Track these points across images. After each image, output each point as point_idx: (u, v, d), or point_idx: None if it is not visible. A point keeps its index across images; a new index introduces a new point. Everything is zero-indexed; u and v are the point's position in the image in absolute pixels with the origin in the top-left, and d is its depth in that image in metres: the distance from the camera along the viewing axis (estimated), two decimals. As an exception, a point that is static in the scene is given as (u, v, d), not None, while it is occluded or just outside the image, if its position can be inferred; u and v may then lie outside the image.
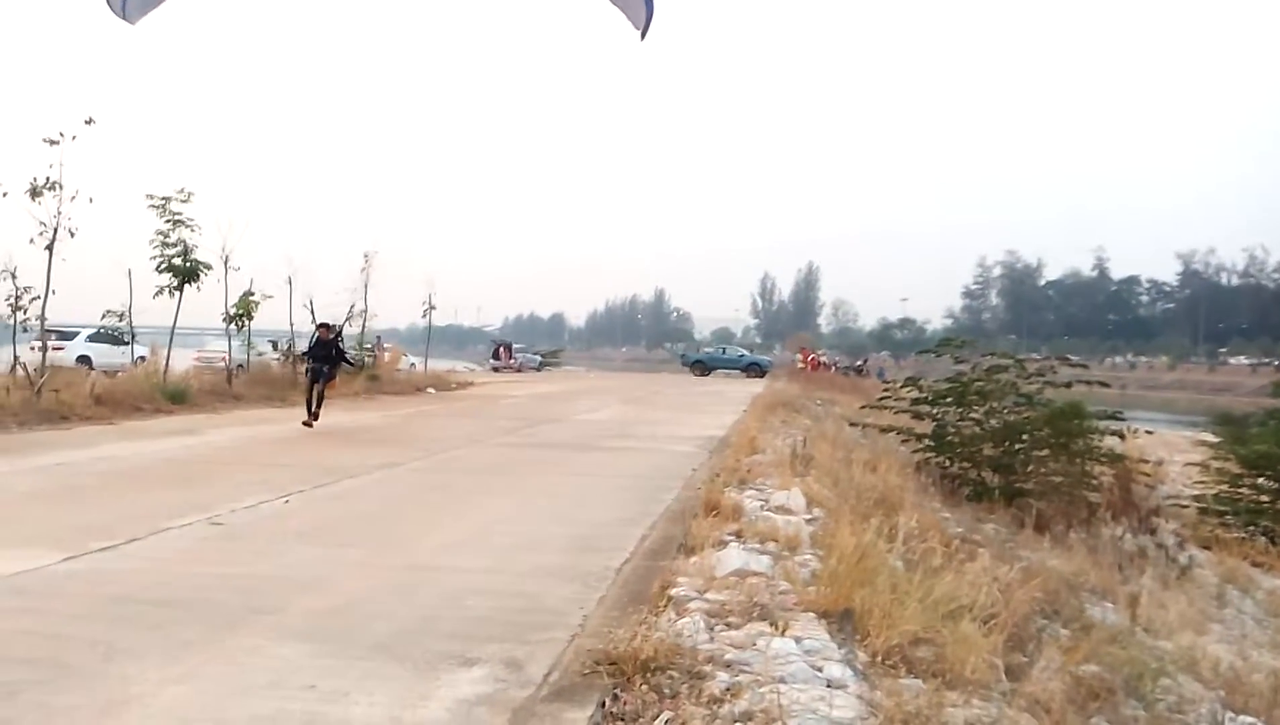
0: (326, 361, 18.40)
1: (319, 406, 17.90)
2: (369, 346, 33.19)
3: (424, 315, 38.33)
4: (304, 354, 19.44)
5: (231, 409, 21.89)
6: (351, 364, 20.61)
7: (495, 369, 56.42)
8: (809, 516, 9.61)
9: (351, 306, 30.78)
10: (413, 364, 39.81)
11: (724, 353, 65.87)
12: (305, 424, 17.45)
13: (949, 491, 15.79)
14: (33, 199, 18.25)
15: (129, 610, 6.15)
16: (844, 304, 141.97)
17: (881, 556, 7.05)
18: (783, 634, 5.57)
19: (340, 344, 19.50)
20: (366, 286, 31.49)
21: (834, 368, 62.89)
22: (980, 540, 11.34)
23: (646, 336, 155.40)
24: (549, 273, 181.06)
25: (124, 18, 9.83)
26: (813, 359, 60.19)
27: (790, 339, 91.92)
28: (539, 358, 65.01)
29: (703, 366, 58.96)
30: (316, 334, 19.26)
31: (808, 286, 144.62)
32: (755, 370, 56.01)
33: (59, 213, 18.41)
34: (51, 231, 18.40)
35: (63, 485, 11.18)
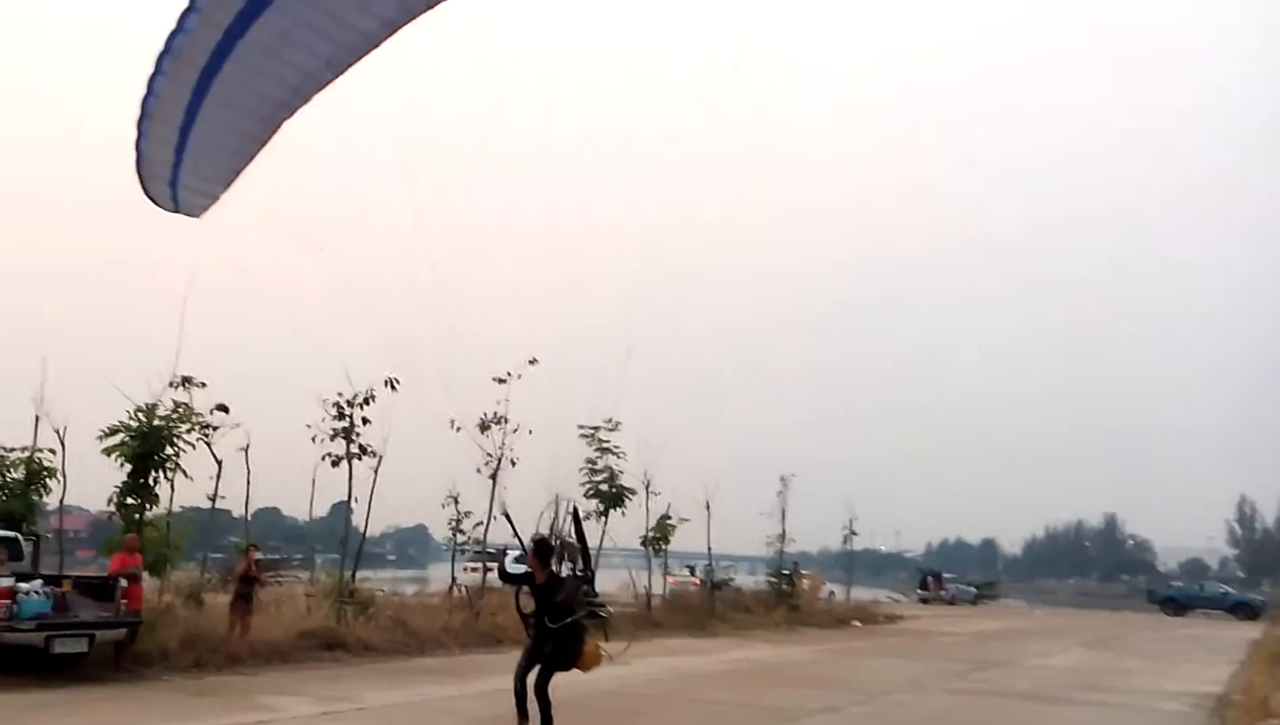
0: (554, 630, 9.72)
1: (547, 708, 9.74)
2: (787, 573, 33.26)
3: (844, 540, 37.99)
4: (527, 618, 10.05)
5: (651, 638, 22.49)
6: (598, 615, 10.29)
7: (924, 600, 54.40)
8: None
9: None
10: (832, 593, 39.35)
11: (1202, 589, 59.32)
12: None
13: None
14: (481, 432, 20.38)
15: None
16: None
17: None
18: None
19: (580, 586, 10.18)
20: (784, 511, 32.04)
21: None
22: None
23: (1097, 568, 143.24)
24: (976, 495, 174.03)
25: (178, 210, 8.98)
26: None
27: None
28: (974, 589, 61.93)
29: (1176, 604, 53.28)
30: (524, 568, 10.38)
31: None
32: (1244, 611, 49.87)
33: (503, 443, 20.47)
34: (496, 461, 20.40)
35: (507, 713, 11.86)
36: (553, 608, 9.60)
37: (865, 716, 12.84)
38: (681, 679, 16.24)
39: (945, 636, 28.27)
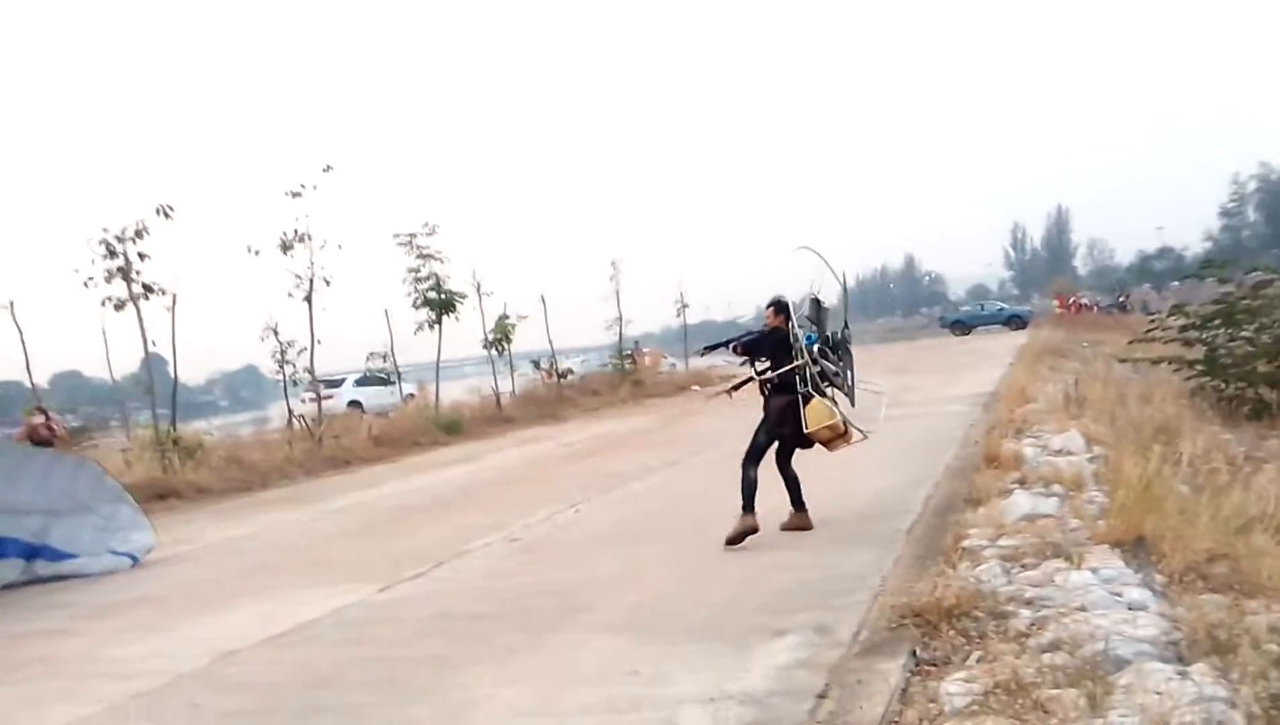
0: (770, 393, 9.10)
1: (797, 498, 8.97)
2: (628, 353, 34.55)
3: (677, 315, 39.28)
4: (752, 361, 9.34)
5: (504, 432, 23.72)
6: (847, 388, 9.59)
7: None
8: (1090, 455, 9.98)
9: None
10: (673, 365, 41.03)
11: (982, 309, 67.80)
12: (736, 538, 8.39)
13: (1227, 413, 15.95)
14: (284, 253, 19.54)
15: (453, 626, 7.02)
16: (1098, 242, 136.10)
17: (1167, 483, 7.43)
18: (1079, 567, 6.01)
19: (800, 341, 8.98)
20: (618, 294, 32.96)
21: (1095, 308, 63.13)
22: (1264, 456, 11.17)
23: (900, 305, 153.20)
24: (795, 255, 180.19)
25: None
26: (1073, 302, 61.46)
27: (1047, 286, 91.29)
28: (793, 341, 65.32)
29: (963, 326, 60.50)
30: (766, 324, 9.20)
31: (1059, 230, 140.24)
32: (1016, 322, 57.51)
33: (312, 264, 19.74)
34: (308, 283, 19.75)
35: (362, 523, 12.53)
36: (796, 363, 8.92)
37: (701, 465, 14.01)
38: (533, 462, 17.28)
39: (775, 385, 30.09)
